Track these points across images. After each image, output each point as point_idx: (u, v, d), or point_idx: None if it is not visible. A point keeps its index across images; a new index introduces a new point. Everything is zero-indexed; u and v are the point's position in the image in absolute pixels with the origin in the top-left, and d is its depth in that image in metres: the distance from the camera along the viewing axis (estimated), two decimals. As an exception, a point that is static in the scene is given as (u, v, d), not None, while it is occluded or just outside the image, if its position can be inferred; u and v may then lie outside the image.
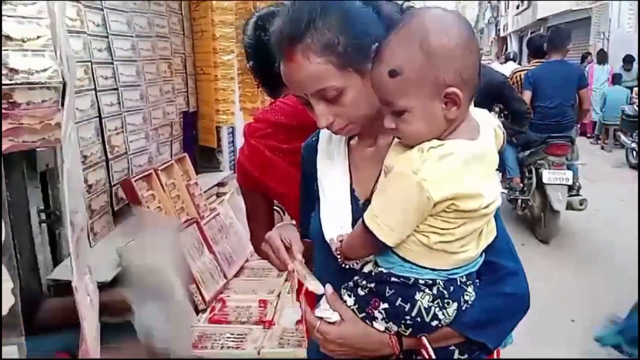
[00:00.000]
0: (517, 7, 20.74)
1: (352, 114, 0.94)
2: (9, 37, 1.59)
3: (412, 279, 0.91)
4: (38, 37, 1.70)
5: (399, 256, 0.91)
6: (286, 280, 2.34)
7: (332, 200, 1.03)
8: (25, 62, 1.64)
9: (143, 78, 2.33)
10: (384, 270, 0.93)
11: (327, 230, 1.01)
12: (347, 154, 1.06)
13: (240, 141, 3.87)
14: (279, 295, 2.17)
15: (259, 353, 1.74)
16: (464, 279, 0.93)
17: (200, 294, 2.09)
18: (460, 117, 0.86)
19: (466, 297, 0.94)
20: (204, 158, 3.21)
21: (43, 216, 1.80)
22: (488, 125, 0.92)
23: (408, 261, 0.90)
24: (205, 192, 2.71)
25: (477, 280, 0.98)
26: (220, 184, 2.99)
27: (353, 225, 0.97)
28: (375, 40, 0.88)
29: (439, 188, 0.81)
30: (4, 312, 0.57)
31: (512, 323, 1.02)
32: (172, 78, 2.68)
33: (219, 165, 3.23)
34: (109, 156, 2.08)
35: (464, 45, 0.82)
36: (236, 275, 2.43)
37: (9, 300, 0.60)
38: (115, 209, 2.15)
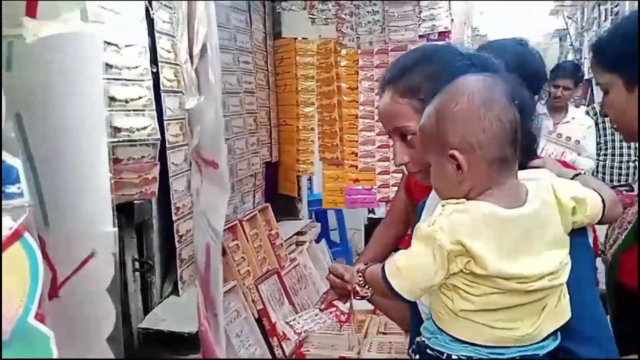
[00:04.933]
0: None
1: (423, 159, 0.98)
2: (113, 99, 1.73)
3: (445, 354, 0.87)
4: (139, 97, 1.84)
5: (437, 326, 0.89)
6: (365, 336, 2.29)
7: None
8: (127, 121, 1.78)
9: (231, 132, 2.44)
10: (425, 341, 0.91)
11: None
12: None
13: (316, 190, 3.92)
14: (359, 353, 2.12)
15: (340, 414, 1.69)
16: None
17: (281, 346, 2.08)
18: (477, 183, 0.86)
19: None
20: (284, 207, 3.27)
21: (137, 265, 1.89)
22: (546, 197, 0.87)
23: (444, 332, 0.88)
24: (285, 241, 2.75)
25: None
26: (300, 233, 3.02)
27: None
28: None
29: (449, 236, 0.82)
30: (110, 328, 0.61)
31: None
32: (257, 130, 2.78)
33: (298, 213, 3.28)
34: (198, 207, 2.17)
35: (474, 110, 0.84)
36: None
37: (112, 320, 0.65)
38: (202, 258, 2.22)
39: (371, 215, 4.83)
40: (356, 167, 3.08)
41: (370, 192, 3.14)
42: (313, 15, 3.02)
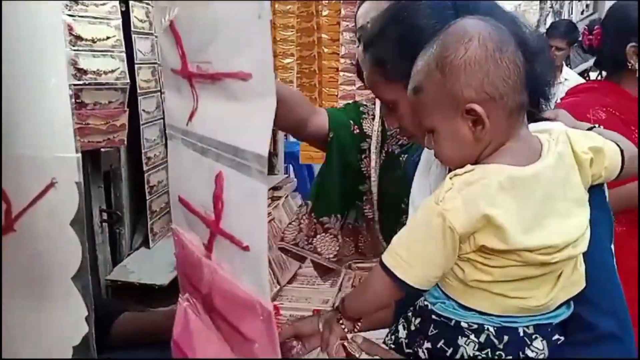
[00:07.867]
0: (582, 12, 19.84)
1: (408, 126, 0.94)
2: (79, 37, 1.61)
3: (454, 321, 0.81)
4: (107, 37, 1.72)
5: (443, 291, 0.82)
6: (340, 290, 2.29)
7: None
8: (94, 62, 1.66)
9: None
10: (429, 306, 0.84)
11: None
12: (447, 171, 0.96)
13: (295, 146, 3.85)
14: (333, 305, 2.11)
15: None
16: (530, 330, 0.80)
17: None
18: (495, 138, 0.77)
19: (529, 354, 0.79)
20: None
21: (105, 216, 1.81)
22: (562, 150, 0.80)
23: (452, 298, 0.81)
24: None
25: (561, 337, 0.82)
26: (275, 188, 2.96)
27: None
28: None
29: (464, 216, 0.73)
30: (77, 341, 0.53)
31: None
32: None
33: (274, 168, 3.21)
34: (170, 158, 2.08)
35: (486, 56, 0.75)
36: (289, 282, 2.39)
37: (82, 329, 0.56)
38: (174, 210, 2.15)
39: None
40: (335, 122, 3.01)
41: (348, 148, 3.08)
42: (294, -41, 2.88)
